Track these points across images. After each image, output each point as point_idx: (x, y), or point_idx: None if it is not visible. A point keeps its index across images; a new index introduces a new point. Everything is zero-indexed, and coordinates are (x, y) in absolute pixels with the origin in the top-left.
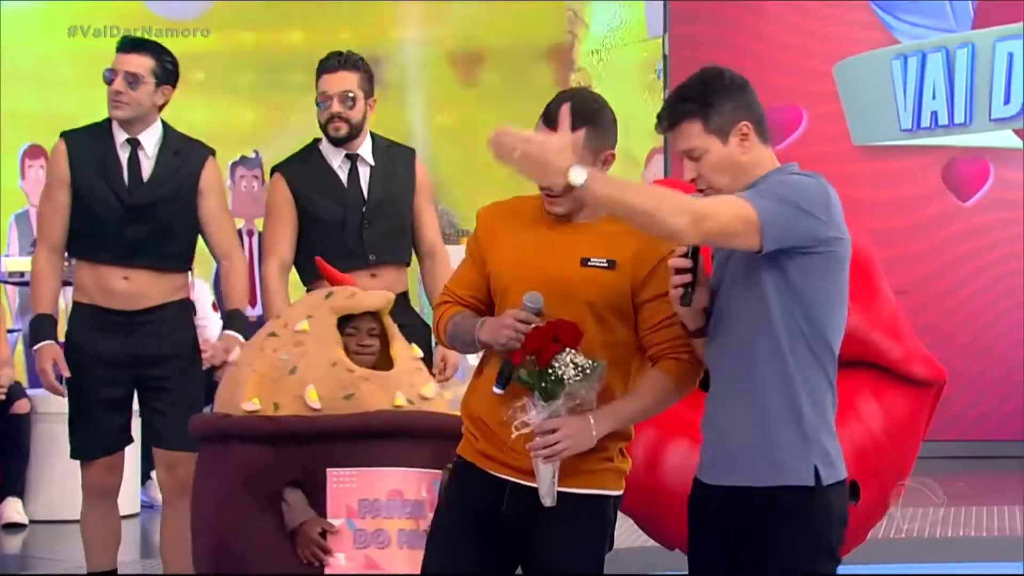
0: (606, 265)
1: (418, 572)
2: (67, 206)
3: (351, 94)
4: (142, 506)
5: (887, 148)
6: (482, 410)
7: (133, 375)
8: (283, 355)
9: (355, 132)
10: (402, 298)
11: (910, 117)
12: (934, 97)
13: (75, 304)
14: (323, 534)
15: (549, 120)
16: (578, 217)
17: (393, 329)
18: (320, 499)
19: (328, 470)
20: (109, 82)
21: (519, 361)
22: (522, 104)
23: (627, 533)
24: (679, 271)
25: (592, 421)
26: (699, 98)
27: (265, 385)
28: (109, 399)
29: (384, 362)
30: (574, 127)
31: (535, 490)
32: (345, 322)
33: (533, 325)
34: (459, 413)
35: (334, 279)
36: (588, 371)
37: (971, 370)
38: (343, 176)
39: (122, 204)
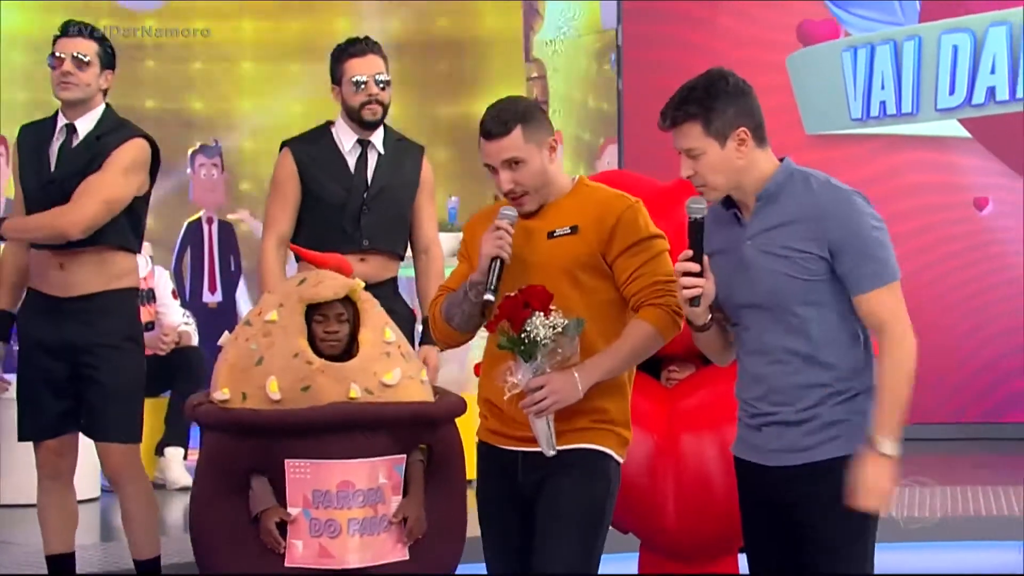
0: (569, 231)
1: (372, 556)
2: (22, 196)
3: (384, 77)
4: (102, 491)
5: (838, 136)
6: (490, 392)
7: (68, 362)
8: (252, 345)
9: (384, 116)
10: (390, 283)
11: (860, 107)
12: (883, 87)
13: (27, 290)
14: (282, 522)
15: (486, 133)
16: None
17: (366, 314)
18: (282, 488)
19: (286, 461)
20: (54, 67)
21: (494, 331)
22: (477, 95)
23: None
24: (687, 274)
25: (576, 375)
26: (702, 101)
27: (235, 375)
28: (49, 383)
29: (358, 347)
30: (507, 130)
31: (543, 455)
32: (317, 308)
33: (510, 223)
34: (430, 398)
35: (314, 261)
36: (561, 329)
37: (924, 354)
38: (352, 160)
39: (42, 187)
